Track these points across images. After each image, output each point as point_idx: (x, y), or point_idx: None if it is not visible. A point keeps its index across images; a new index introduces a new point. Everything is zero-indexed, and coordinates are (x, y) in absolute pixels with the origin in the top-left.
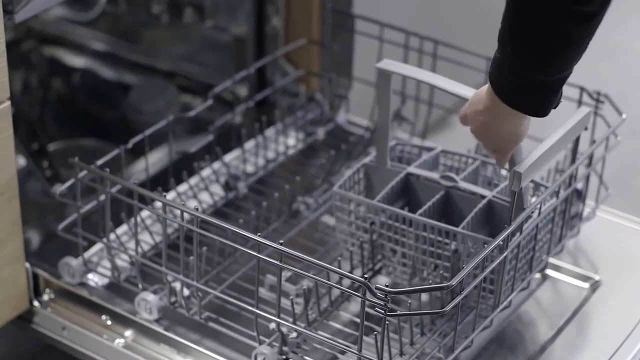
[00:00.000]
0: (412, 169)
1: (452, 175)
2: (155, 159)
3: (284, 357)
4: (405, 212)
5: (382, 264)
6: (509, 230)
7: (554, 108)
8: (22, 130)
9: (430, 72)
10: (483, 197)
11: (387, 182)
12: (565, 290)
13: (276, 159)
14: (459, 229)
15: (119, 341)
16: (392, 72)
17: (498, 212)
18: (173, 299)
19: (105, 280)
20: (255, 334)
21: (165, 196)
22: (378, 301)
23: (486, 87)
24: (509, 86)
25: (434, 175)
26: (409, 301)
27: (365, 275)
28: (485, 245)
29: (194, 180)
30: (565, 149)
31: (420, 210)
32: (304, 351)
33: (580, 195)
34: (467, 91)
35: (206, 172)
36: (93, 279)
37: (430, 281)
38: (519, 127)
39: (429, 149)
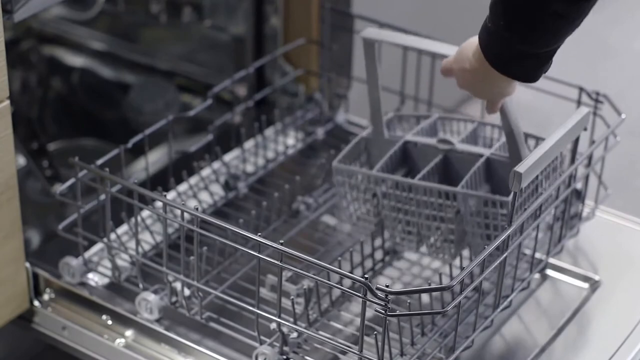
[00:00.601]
0: (409, 137)
1: (449, 138)
2: (155, 159)
3: (284, 357)
4: (404, 179)
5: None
6: (508, 231)
7: (544, 73)
8: (22, 130)
9: (413, 36)
10: (482, 156)
11: (386, 153)
12: (565, 290)
13: (276, 159)
14: (458, 189)
15: (120, 341)
16: (377, 40)
17: (497, 169)
18: (174, 298)
19: (106, 280)
20: (256, 334)
21: (165, 196)
22: (378, 301)
23: (473, 45)
24: (499, 54)
25: (432, 140)
26: (409, 301)
27: (366, 276)
28: (486, 247)
29: (193, 180)
30: (564, 149)
31: (419, 175)
32: (304, 351)
33: (579, 196)
34: (452, 51)
35: (206, 171)
36: (93, 278)
37: (438, 247)
38: (507, 88)
39: (427, 117)
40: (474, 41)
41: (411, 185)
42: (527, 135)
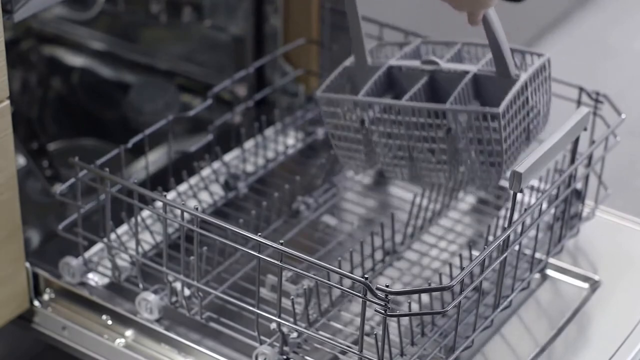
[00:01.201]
0: (393, 61)
1: (434, 58)
2: (155, 159)
3: (284, 357)
4: (391, 100)
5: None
6: (508, 232)
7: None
8: (22, 130)
9: None
10: (468, 73)
11: (370, 80)
12: (565, 290)
13: (276, 159)
14: (447, 106)
15: (120, 341)
16: None
17: (485, 85)
18: (174, 298)
19: (106, 280)
20: (256, 334)
21: (165, 196)
22: (378, 301)
23: None
24: None
25: (416, 63)
26: (409, 301)
27: (366, 276)
28: (486, 247)
29: (193, 180)
30: (564, 149)
31: (406, 97)
32: (304, 351)
33: (579, 196)
34: None
35: (206, 171)
36: (93, 278)
37: (431, 169)
38: None
39: (410, 43)
40: None
41: (399, 107)
42: (513, 50)
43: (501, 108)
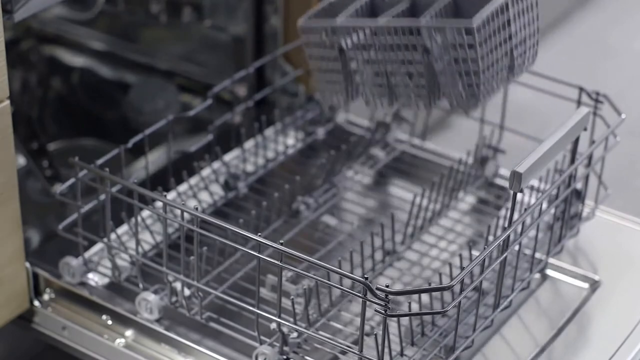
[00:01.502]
0: None
1: None
2: (155, 159)
3: (284, 357)
4: (366, 20)
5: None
6: (508, 232)
7: None
8: (22, 130)
9: None
10: None
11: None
12: (565, 290)
13: (276, 159)
14: (421, 22)
15: (120, 341)
16: None
17: (466, 6)
18: (174, 298)
19: (106, 280)
20: (256, 334)
21: (165, 196)
22: (378, 301)
23: None
24: None
25: None
26: (409, 301)
27: (366, 276)
28: (486, 247)
29: (193, 180)
30: (564, 150)
31: (383, 17)
32: (304, 351)
33: (579, 196)
34: None
35: (206, 171)
36: (93, 278)
37: (408, 97)
38: None
39: None
40: None
41: (375, 29)
42: None
43: (475, 22)
